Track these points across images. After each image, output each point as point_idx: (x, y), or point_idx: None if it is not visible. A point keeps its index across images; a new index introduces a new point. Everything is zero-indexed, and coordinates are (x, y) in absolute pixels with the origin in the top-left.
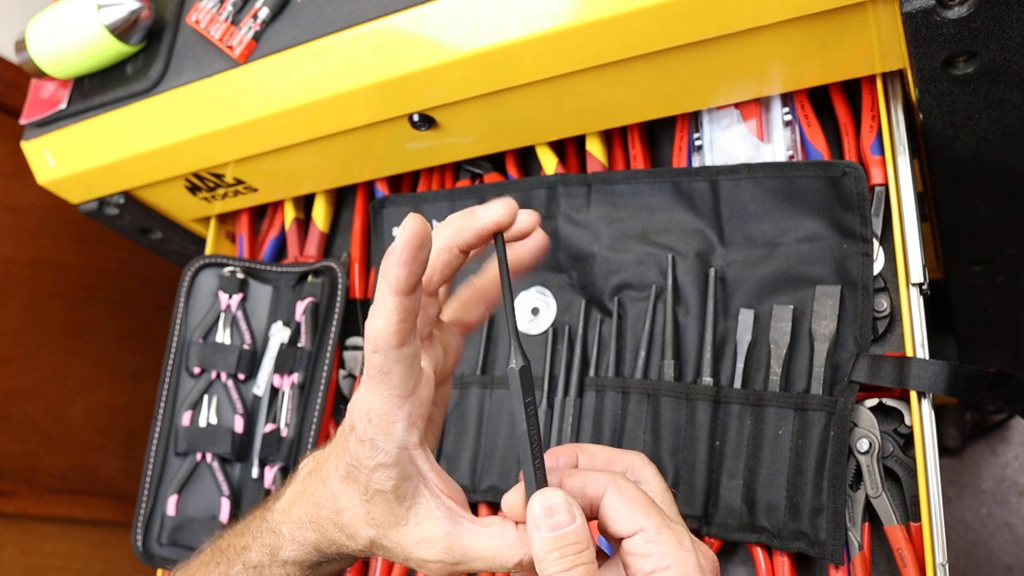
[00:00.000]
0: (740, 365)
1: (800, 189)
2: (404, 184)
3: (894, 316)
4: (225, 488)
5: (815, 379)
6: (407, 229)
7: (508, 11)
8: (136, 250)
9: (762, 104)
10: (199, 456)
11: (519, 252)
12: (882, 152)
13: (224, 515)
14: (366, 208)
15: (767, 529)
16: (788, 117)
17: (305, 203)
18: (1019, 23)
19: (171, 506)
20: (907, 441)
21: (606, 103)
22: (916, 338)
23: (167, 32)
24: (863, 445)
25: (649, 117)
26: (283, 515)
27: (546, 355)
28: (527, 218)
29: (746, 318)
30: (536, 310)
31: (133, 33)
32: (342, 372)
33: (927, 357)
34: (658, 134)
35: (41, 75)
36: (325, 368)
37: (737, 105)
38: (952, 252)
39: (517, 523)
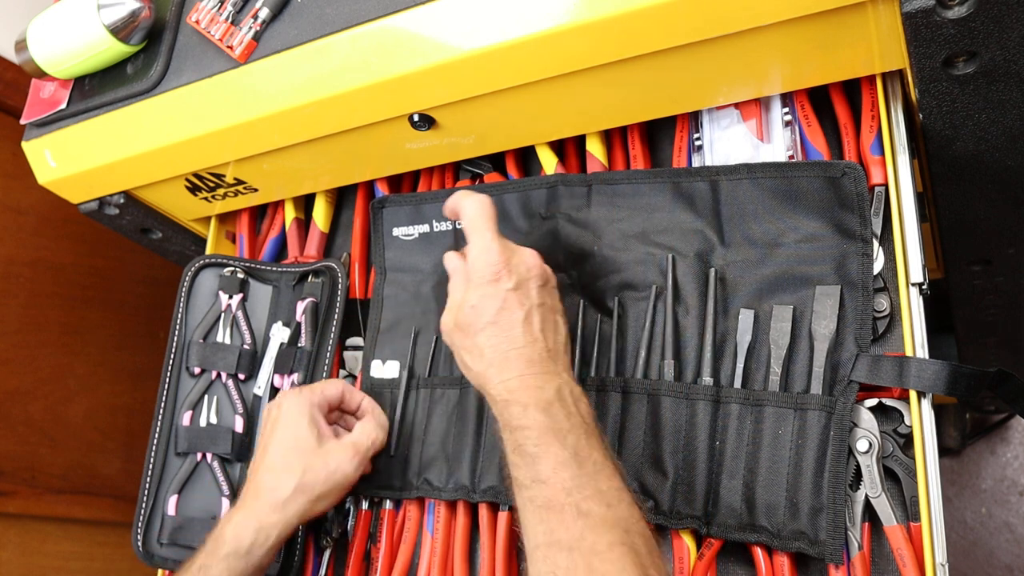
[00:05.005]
0: (740, 365)
1: (800, 189)
2: (404, 184)
3: (894, 316)
4: (225, 488)
5: (815, 379)
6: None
7: (508, 11)
8: (136, 250)
9: (762, 104)
10: (199, 456)
11: None
12: (882, 152)
13: (224, 515)
14: (366, 208)
15: (767, 529)
16: (788, 117)
17: (305, 203)
18: (1019, 23)
19: (171, 506)
20: (907, 441)
21: (606, 103)
22: (916, 338)
23: (167, 32)
24: (863, 445)
25: (649, 117)
26: (223, 524)
27: None
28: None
29: (746, 318)
30: None
31: (133, 33)
32: (342, 372)
33: (927, 357)
34: (658, 134)
35: (42, 75)
36: (325, 368)
37: (737, 105)
38: (952, 252)
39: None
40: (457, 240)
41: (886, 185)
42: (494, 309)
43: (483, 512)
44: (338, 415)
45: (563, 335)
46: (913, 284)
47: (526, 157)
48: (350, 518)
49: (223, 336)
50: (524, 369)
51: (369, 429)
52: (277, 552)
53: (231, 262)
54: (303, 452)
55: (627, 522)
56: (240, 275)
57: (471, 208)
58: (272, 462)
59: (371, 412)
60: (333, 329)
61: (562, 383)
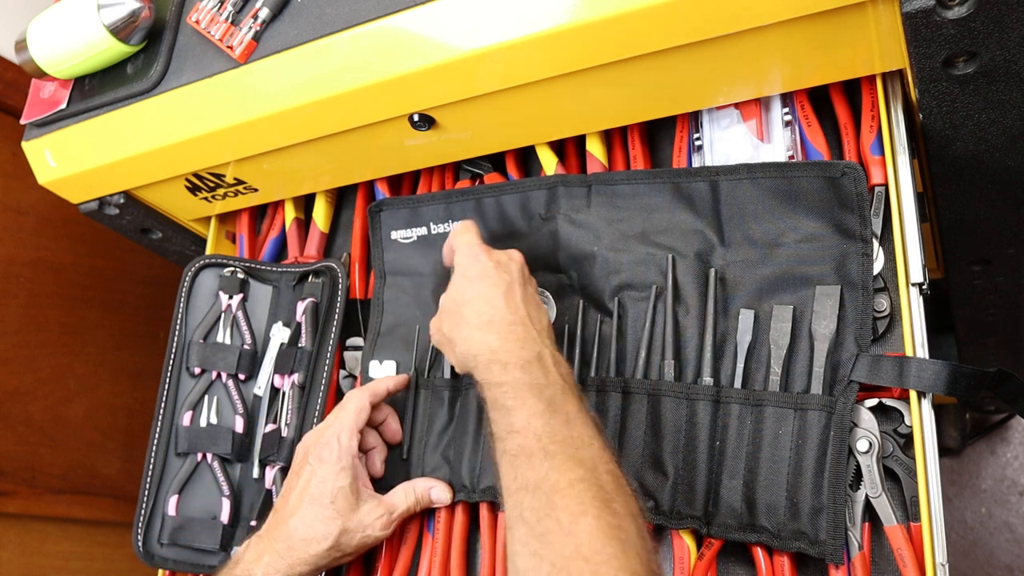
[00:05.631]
0: (740, 365)
1: (800, 189)
2: (404, 184)
3: (894, 316)
4: (225, 488)
5: (815, 379)
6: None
7: (508, 11)
8: (136, 250)
9: (762, 104)
10: (199, 456)
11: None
12: (882, 152)
13: (224, 515)
14: (366, 208)
15: (767, 529)
16: (788, 117)
17: (305, 203)
18: (1019, 23)
19: (171, 506)
20: (907, 441)
21: (606, 103)
22: (916, 338)
23: (167, 32)
24: (863, 445)
25: (649, 117)
26: (252, 563)
27: None
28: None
29: (746, 318)
30: None
31: (133, 33)
32: (342, 372)
33: (927, 357)
34: (658, 134)
35: (42, 75)
36: (325, 368)
37: (737, 105)
38: (952, 252)
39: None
40: None
41: (886, 185)
42: (478, 280)
43: (483, 512)
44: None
45: (545, 319)
46: (913, 284)
47: (526, 157)
48: None
49: (223, 336)
50: (506, 331)
51: (407, 496)
52: None
53: (231, 262)
54: (341, 513)
55: (594, 461)
56: (240, 275)
57: (458, 231)
58: (308, 516)
59: (412, 483)
60: (333, 329)
61: (542, 348)
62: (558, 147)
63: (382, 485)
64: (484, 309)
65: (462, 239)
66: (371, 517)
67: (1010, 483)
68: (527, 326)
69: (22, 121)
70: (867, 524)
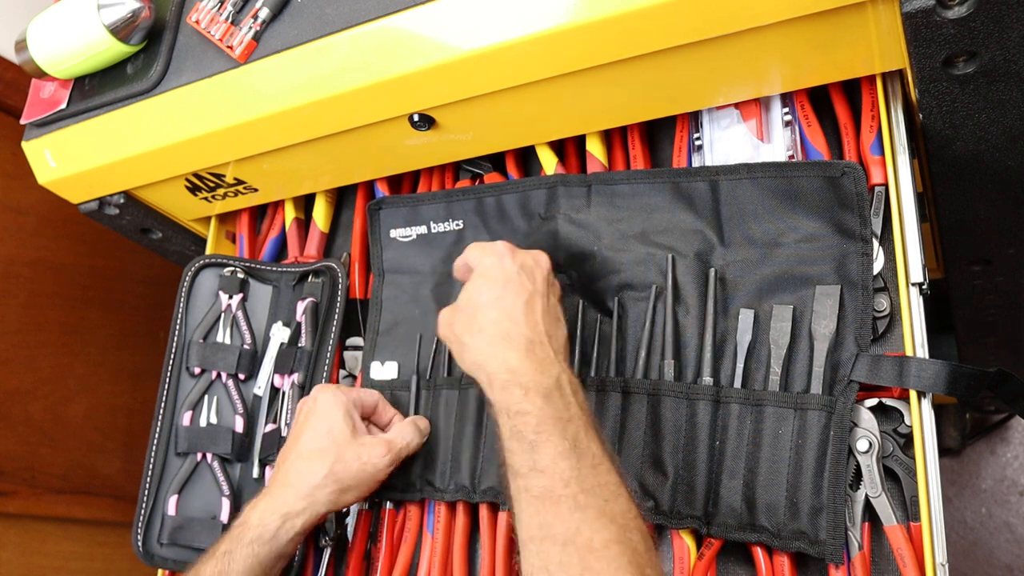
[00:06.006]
0: (740, 365)
1: (799, 189)
2: (404, 184)
3: (894, 316)
4: (225, 488)
5: (815, 379)
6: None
7: (508, 11)
8: (136, 250)
9: (762, 104)
10: (199, 456)
11: None
12: (882, 152)
13: (224, 515)
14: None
15: (767, 529)
16: (788, 117)
17: (305, 203)
18: (1019, 23)
19: (171, 506)
20: (907, 441)
21: (606, 103)
22: (916, 338)
23: (167, 32)
24: (863, 445)
25: (649, 117)
26: (249, 511)
27: None
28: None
29: (746, 318)
30: None
31: (133, 33)
32: (342, 372)
33: (927, 357)
34: (658, 134)
35: (42, 75)
36: (325, 368)
37: (737, 105)
38: (952, 252)
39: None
40: (459, 241)
41: (886, 185)
42: (499, 284)
43: (483, 512)
44: (367, 423)
45: (563, 335)
46: (913, 284)
47: (526, 157)
48: (350, 518)
49: (223, 336)
50: (524, 350)
51: (407, 431)
52: (302, 540)
53: (231, 262)
54: (336, 442)
55: (625, 517)
56: (240, 275)
57: (483, 248)
58: (304, 450)
59: (411, 419)
60: (333, 329)
61: (561, 371)
62: (558, 147)
63: (385, 486)
64: (502, 321)
65: (484, 246)
66: (368, 444)
67: (1010, 483)
68: (545, 346)
69: (22, 121)
70: (867, 524)
